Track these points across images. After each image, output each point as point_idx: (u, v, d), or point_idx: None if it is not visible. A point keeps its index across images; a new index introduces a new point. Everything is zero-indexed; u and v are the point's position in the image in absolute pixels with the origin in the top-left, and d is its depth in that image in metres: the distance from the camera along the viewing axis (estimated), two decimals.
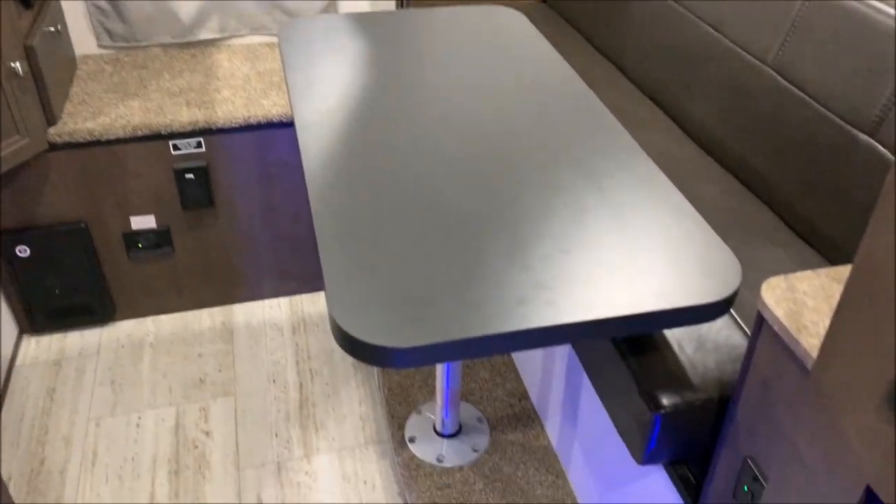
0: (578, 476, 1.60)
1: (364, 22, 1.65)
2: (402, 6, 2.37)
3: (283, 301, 2.29)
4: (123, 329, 2.19)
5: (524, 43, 1.58)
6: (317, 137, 1.22)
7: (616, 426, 1.17)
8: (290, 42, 1.55)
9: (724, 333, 1.13)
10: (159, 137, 1.95)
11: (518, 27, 1.65)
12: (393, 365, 0.87)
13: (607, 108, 1.77)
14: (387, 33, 1.60)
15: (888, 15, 1.24)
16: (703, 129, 1.63)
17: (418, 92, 1.37)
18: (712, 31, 1.61)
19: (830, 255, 1.32)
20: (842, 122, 1.28)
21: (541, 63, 1.50)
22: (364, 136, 1.24)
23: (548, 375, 1.70)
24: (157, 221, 2.07)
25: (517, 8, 2.34)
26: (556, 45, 2.08)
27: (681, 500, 1.17)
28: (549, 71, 1.47)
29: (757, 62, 1.48)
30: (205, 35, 2.30)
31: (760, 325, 0.89)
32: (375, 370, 2.00)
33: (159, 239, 2.09)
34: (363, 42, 1.56)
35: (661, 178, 1.16)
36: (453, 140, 1.23)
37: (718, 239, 1.03)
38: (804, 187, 1.36)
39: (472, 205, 1.08)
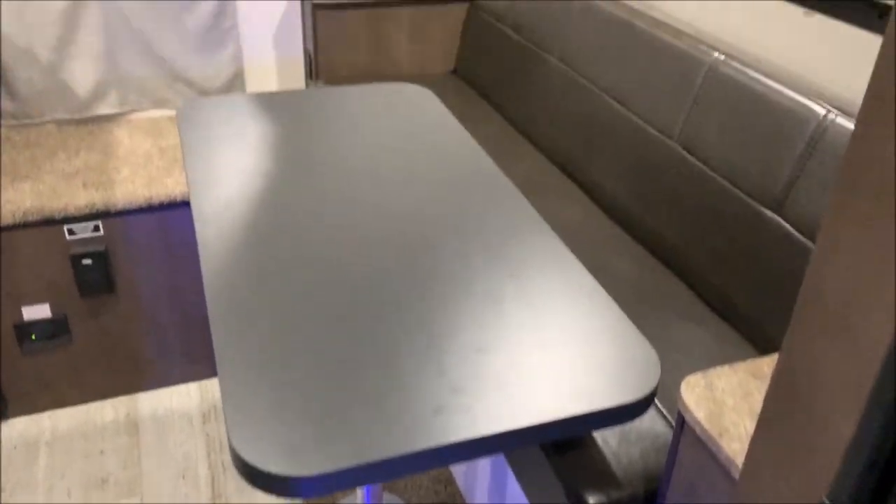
0: None
1: (268, 102, 1.60)
2: (311, 76, 2.34)
3: (192, 387, 2.17)
4: (16, 428, 2.02)
5: (433, 121, 1.57)
6: (216, 232, 1.16)
7: None
8: (189, 123, 1.49)
9: (647, 423, 1.11)
10: (53, 223, 1.83)
11: (427, 105, 1.63)
12: (301, 495, 0.80)
13: (519, 178, 1.77)
14: (292, 114, 1.56)
15: (783, 94, 1.28)
16: (615, 201, 1.64)
17: (324, 177, 1.33)
18: (616, 104, 1.63)
19: (746, 331, 1.33)
20: (747, 199, 1.30)
21: (450, 142, 1.48)
22: (267, 229, 1.18)
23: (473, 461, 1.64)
24: (53, 310, 1.93)
25: (428, 78, 2.34)
26: (466, 115, 2.08)
27: None
28: (457, 150, 1.45)
29: (662, 136, 1.50)
30: (103, 110, 2.21)
31: (682, 426, 0.87)
32: None
33: (55, 328, 1.95)
34: (267, 123, 1.51)
35: (574, 262, 1.14)
36: (361, 230, 1.19)
37: (635, 329, 1.01)
38: (716, 262, 1.37)
39: (382, 300, 1.03)
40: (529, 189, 1.72)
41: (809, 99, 1.24)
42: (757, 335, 1.29)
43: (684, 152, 1.44)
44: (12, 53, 2.04)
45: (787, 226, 1.22)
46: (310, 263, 1.10)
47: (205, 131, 1.46)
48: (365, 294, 1.05)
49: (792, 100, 1.25)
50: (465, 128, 1.94)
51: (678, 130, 1.46)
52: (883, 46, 0.48)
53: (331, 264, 1.10)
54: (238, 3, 2.22)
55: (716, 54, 1.42)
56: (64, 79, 2.11)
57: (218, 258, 1.10)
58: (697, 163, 1.41)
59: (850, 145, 0.49)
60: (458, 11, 2.32)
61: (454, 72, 2.38)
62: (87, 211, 1.84)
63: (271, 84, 2.38)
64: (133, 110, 2.25)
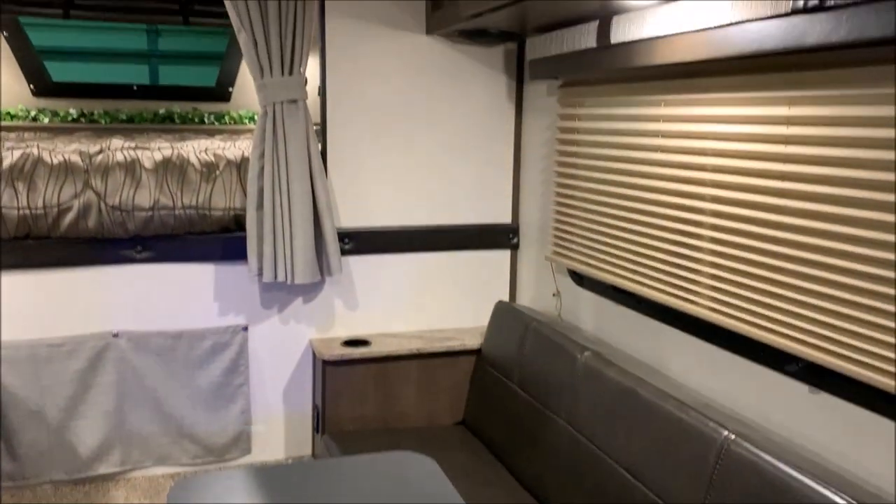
0: None
1: (260, 477, 1.53)
2: (317, 430, 2.31)
3: None
4: None
5: (434, 498, 1.48)
6: None
7: None
8: None
9: None
10: None
11: (429, 478, 1.56)
12: None
13: None
14: (286, 491, 1.48)
15: (804, 485, 1.20)
16: None
17: None
18: (628, 475, 1.55)
19: None
20: None
21: None
22: None
23: None
24: None
25: (435, 431, 2.30)
26: (473, 474, 2.00)
27: None
28: None
29: None
30: (104, 469, 2.15)
31: None
32: None
33: None
34: None
35: None
36: None
37: None
38: None
39: None
40: None
41: (834, 492, 1.16)
42: None
43: None
44: (21, 416, 2.04)
45: None
46: None
47: None
48: None
49: (815, 492, 1.18)
50: (473, 490, 1.84)
51: None
52: None
53: None
54: (251, 359, 2.27)
55: (725, 433, 1.37)
56: (69, 439, 2.09)
57: None
58: None
59: None
60: (466, 363, 2.35)
61: (462, 422, 2.34)
62: None
63: (277, 438, 2.35)
64: (134, 468, 2.19)
